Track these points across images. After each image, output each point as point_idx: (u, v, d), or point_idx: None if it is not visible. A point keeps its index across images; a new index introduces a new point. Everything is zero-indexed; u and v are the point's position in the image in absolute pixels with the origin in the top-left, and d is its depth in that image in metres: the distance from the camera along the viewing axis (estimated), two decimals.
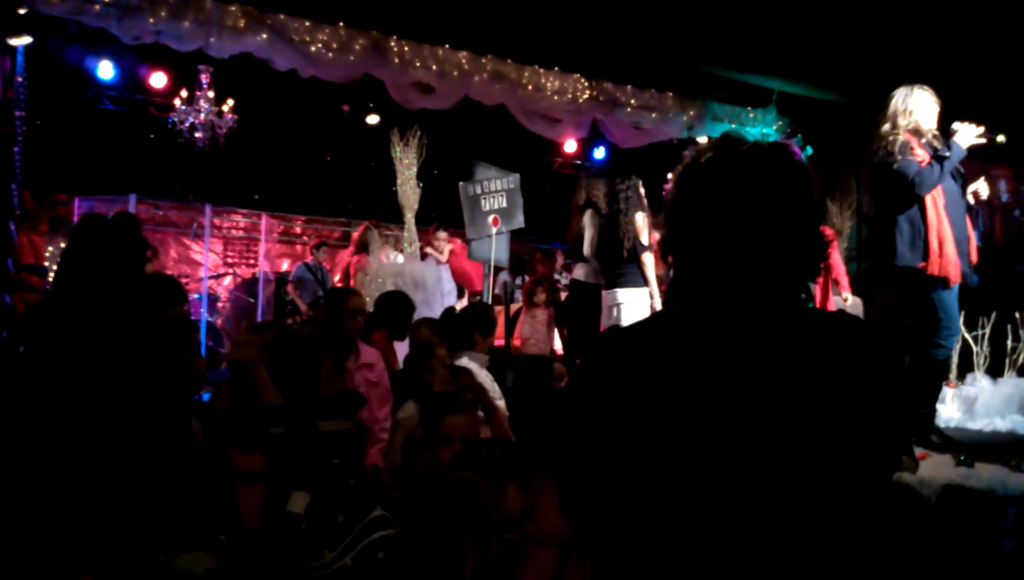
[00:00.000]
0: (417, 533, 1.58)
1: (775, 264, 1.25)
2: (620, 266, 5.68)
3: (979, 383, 5.53)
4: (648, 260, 5.64)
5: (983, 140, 4.08)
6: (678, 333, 1.26)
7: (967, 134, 4.03)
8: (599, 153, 11.15)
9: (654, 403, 1.19)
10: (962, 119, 4.11)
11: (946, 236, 3.92)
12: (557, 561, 1.33)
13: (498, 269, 6.61)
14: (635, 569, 1.21)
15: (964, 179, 4.15)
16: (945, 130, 4.12)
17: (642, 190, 5.83)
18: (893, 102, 4.15)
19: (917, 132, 4.05)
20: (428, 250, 7.24)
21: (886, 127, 4.10)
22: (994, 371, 5.73)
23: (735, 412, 1.17)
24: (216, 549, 2.10)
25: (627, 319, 5.56)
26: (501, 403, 4.17)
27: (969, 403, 5.29)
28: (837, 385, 1.19)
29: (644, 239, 5.66)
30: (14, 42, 6.25)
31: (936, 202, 3.96)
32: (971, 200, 4.21)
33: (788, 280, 1.27)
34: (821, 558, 1.17)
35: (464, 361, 4.11)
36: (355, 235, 6.66)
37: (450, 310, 5.59)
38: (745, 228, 1.25)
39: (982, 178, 4.25)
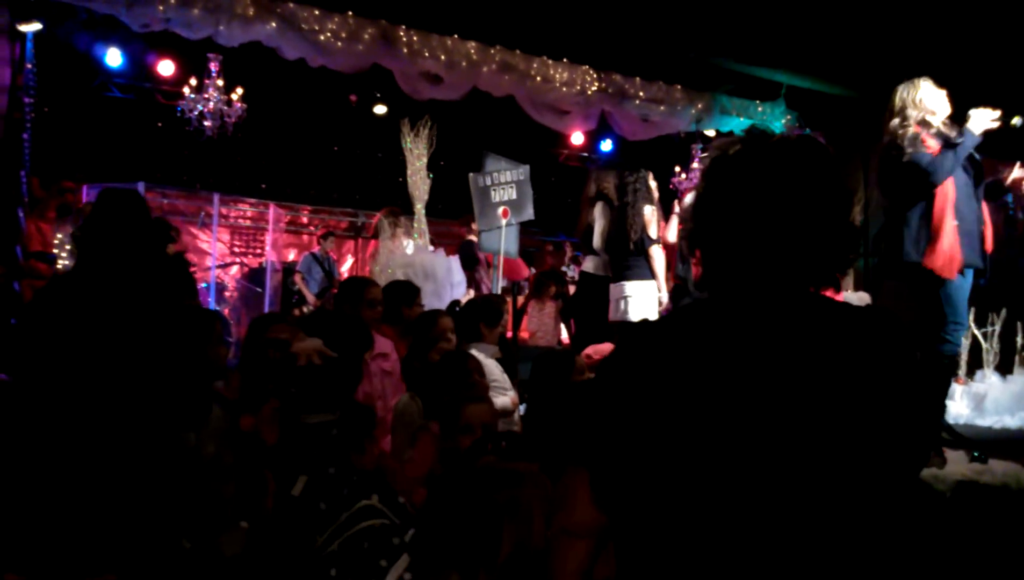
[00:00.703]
0: (450, 521, 1.58)
1: (806, 257, 1.25)
2: (628, 259, 5.68)
3: (989, 380, 5.53)
4: (656, 253, 5.64)
5: (997, 124, 4.04)
6: (709, 325, 1.26)
7: (981, 120, 4.00)
8: (606, 146, 11.13)
9: (685, 394, 1.19)
10: (975, 106, 4.09)
11: (946, 230, 3.90)
12: (589, 553, 1.33)
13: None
14: (667, 559, 1.21)
15: (979, 170, 4.12)
16: (958, 118, 4.10)
17: (652, 183, 5.83)
18: (899, 96, 4.12)
19: (926, 123, 4.02)
20: (471, 237, 7.24)
21: (895, 121, 4.07)
22: (1004, 368, 5.72)
23: (767, 405, 1.17)
24: (238, 535, 2.12)
25: (634, 312, 5.57)
26: (511, 394, 4.17)
27: (979, 400, 5.29)
28: (869, 378, 1.19)
29: (652, 232, 5.65)
30: (24, 28, 6.25)
31: (946, 195, 3.94)
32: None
33: (818, 273, 1.27)
34: (850, 552, 1.17)
35: (472, 353, 4.12)
36: (373, 221, 6.60)
37: (455, 303, 5.59)
38: (775, 221, 1.24)
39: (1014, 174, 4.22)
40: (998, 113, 4.03)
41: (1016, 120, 4.09)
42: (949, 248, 3.88)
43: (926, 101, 4.05)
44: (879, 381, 1.18)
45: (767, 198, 1.25)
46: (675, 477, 1.18)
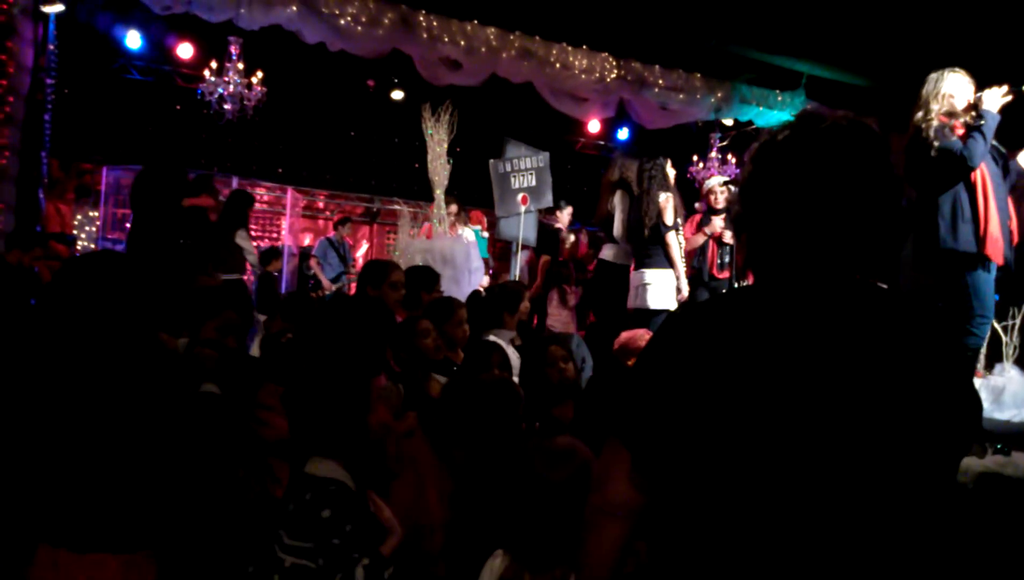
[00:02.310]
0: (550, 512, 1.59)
1: (853, 243, 1.24)
2: (647, 247, 5.65)
3: (1008, 374, 5.47)
4: (671, 240, 5.61)
5: (1010, 96, 4.01)
6: (756, 309, 1.26)
7: (993, 98, 3.98)
8: (623, 134, 11.08)
9: (732, 377, 1.19)
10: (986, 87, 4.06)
11: (993, 216, 3.89)
12: (624, 533, 1.34)
13: (525, 247, 6.60)
14: (709, 540, 1.21)
15: (1005, 160, 4.10)
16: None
17: (670, 171, 5.79)
18: (925, 88, 4.09)
19: (952, 115, 4.00)
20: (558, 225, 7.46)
21: (919, 114, 4.05)
22: (1023, 362, 5.67)
23: (814, 390, 1.17)
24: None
25: (652, 299, 5.55)
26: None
27: (997, 393, 5.23)
28: (916, 365, 1.19)
29: (668, 219, 5.61)
30: (47, 9, 6.28)
31: (984, 181, 3.92)
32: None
33: (865, 258, 1.27)
34: (887, 539, 1.18)
35: (491, 338, 4.15)
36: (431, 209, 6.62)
37: (476, 294, 5.59)
38: (824, 206, 1.23)
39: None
40: (1006, 88, 4.01)
41: None
42: (999, 234, 3.87)
43: (951, 93, 4.02)
44: (926, 368, 1.18)
45: (813, 183, 1.24)
46: (721, 458, 1.19)
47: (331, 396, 2.13)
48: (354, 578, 1.89)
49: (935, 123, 3.97)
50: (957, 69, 4.09)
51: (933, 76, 4.09)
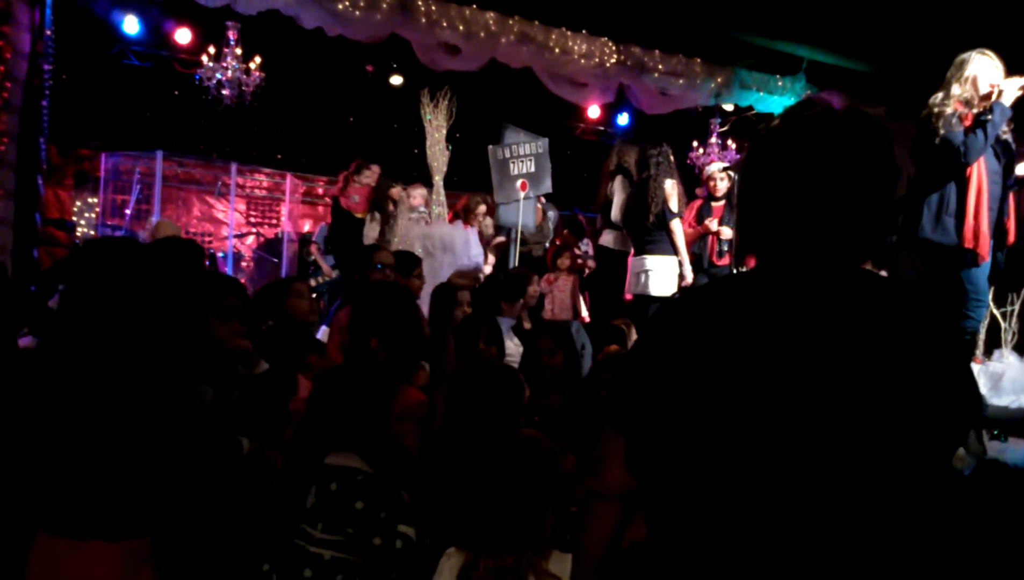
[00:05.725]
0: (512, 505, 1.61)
1: (845, 229, 1.24)
2: (649, 233, 5.65)
3: (1007, 360, 5.48)
4: (676, 227, 5.61)
5: (1022, 91, 3.89)
6: (750, 296, 1.26)
7: (1010, 91, 3.85)
8: (623, 119, 11.04)
9: (725, 363, 1.20)
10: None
11: (983, 212, 3.85)
12: (619, 517, 1.35)
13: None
14: (700, 526, 1.22)
15: (1011, 158, 4.03)
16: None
17: (673, 158, 5.79)
18: (951, 69, 3.96)
19: (969, 103, 3.89)
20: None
21: (938, 96, 3.94)
22: (1022, 348, 5.68)
23: (808, 377, 1.17)
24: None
25: (654, 286, 5.55)
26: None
27: (996, 379, 5.24)
28: (913, 353, 1.18)
29: (673, 206, 5.62)
30: None
31: (980, 177, 3.86)
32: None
33: (858, 246, 1.26)
34: (878, 527, 1.18)
35: None
36: (460, 203, 6.60)
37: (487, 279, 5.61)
38: (814, 192, 1.23)
39: None
40: (1023, 80, 3.89)
41: None
42: (987, 230, 3.83)
43: (976, 76, 3.88)
44: (924, 356, 1.17)
45: (808, 169, 1.23)
46: (713, 445, 1.19)
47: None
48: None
49: (948, 109, 3.86)
50: (987, 52, 3.93)
51: (961, 58, 3.95)
